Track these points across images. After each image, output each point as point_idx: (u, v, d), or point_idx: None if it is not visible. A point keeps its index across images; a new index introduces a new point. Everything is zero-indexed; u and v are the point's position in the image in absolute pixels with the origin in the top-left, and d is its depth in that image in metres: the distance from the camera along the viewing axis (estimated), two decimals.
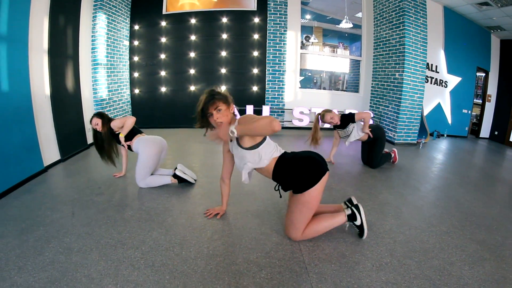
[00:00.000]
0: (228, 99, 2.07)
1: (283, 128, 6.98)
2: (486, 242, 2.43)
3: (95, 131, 3.35)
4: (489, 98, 8.31)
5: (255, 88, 6.86)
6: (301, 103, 6.97)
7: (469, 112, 8.18)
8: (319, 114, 3.97)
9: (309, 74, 8.23)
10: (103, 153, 3.35)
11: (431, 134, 7.49)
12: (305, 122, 6.60)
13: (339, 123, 4.02)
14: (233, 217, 2.56)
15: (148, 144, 3.18)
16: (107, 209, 2.65)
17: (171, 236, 2.23)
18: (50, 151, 3.86)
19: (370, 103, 7.11)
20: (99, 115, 3.33)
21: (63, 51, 4.34)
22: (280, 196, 2.40)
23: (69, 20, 4.47)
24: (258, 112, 6.14)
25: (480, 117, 8.54)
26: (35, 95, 3.57)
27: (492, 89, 8.27)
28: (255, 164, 2.09)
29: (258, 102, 6.75)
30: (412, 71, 6.02)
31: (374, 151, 4.18)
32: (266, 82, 6.84)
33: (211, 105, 1.99)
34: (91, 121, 3.31)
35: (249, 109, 5.99)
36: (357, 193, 3.22)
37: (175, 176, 3.22)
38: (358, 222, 2.26)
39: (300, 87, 7.31)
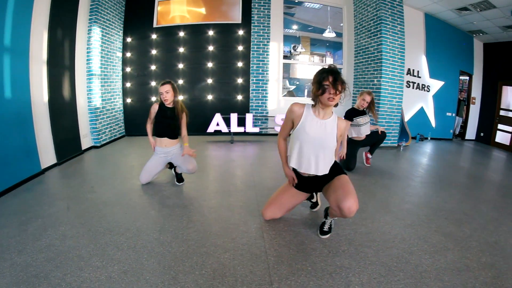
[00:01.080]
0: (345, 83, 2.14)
1: (266, 134, 7.27)
2: (453, 234, 2.53)
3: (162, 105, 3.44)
4: (473, 100, 8.52)
5: (239, 97, 7.08)
6: (283, 111, 7.06)
7: (453, 115, 8.36)
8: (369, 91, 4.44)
9: (297, 82, 8.59)
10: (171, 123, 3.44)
11: (414, 138, 7.68)
12: None
13: (365, 107, 4.45)
14: (208, 210, 2.89)
15: None
16: (99, 204, 2.96)
17: (152, 224, 2.55)
18: (47, 155, 4.11)
19: None
20: (173, 85, 3.43)
21: (60, 62, 4.59)
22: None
23: (66, 33, 4.74)
24: (242, 119, 6.37)
25: (465, 119, 8.72)
26: (34, 102, 3.82)
27: (476, 92, 8.47)
28: (331, 154, 2.31)
29: (242, 110, 6.97)
30: (390, 77, 6.26)
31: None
32: (250, 91, 7.08)
33: (338, 83, 2.06)
34: (162, 84, 3.35)
35: (233, 117, 6.35)
36: None
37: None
38: (314, 200, 2.96)
39: (284, 95, 7.61)
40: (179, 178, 3.64)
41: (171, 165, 3.79)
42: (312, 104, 2.30)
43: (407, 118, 7.68)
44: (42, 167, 3.93)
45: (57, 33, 4.45)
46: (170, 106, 3.42)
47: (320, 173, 2.30)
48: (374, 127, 4.72)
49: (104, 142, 5.76)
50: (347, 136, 4.56)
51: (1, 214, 2.70)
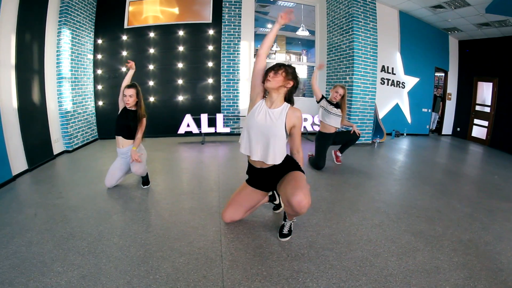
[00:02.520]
0: (291, 74, 2.33)
1: (237, 134, 7.22)
2: (423, 233, 2.46)
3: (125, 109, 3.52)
4: (449, 96, 8.74)
5: (210, 97, 7.13)
6: None
7: (429, 110, 8.55)
8: (342, 85, 4.50)
9: None
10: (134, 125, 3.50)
11: (389, 134, 7.84)
12: None
13: (338, 100, 4.50)
14: (169, 214, 3.03)
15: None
16: (65, 209, 3.08)
17: (113, 229, 2.70)
18: (18, 161, 4.11)
19: None
20: (138, 90, 3.49)
21: (29, 66, 4.58)
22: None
23: (35, 37, 4.71)
24: (213, 120, 6.49)
25: (441, 115, 8.98)
26: (3, 108, 3.84)
27: (452, 88, 8.73)
28: (280, 144, 2.32)
29: (214, 110, 7.00)
30: (362, 74, 6.39)
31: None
32: (221, 91, 7.12)
33: (276, 67, 2.29)
34: (128, 87, 3.43)
35: (204, 117, 6.36)
36: None
37: None
38: (276, 202, 2.97)
39: None
40: (145, 181, 3.75)
41: None
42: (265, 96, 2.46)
43: (382, 114, 7.82)
44: (13, 174, 3.94)
45: (25, 36, 4.43)
46: (132, 109, 3.53)
47: (268, 162, 2.34)
48: (349, 124, 4.73)
49: (77, 146, 5.78)
50: (318, 131, 4.64)
51: None
